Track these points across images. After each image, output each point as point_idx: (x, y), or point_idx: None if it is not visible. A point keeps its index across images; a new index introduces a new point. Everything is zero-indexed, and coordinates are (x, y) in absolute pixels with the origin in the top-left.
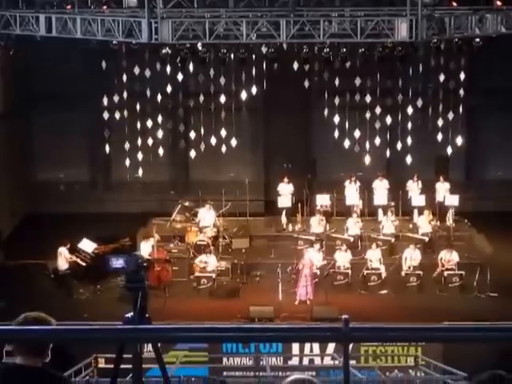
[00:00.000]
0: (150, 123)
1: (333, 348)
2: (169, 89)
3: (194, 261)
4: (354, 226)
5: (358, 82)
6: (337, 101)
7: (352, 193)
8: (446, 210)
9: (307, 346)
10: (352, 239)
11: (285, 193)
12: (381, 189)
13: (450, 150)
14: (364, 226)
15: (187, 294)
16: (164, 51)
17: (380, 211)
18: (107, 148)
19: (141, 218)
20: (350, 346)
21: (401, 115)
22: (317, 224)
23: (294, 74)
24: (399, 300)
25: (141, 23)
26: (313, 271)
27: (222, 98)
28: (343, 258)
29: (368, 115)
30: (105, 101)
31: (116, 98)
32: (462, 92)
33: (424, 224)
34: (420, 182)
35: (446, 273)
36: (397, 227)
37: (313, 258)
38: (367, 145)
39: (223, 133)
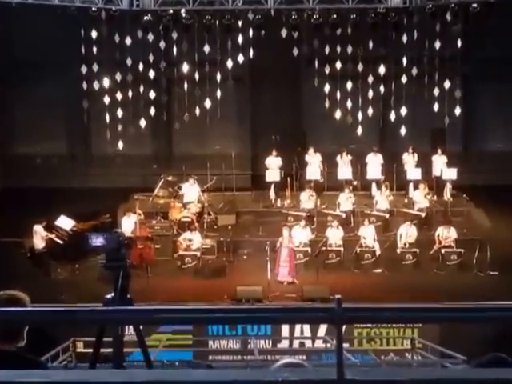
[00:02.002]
0: (130, 94)
1: (325, 330)
2: (151, 58)
3: (177, 238)
4: (346, 201)
5: (349, 49)
6: (327, 70)
7: (344, 167)
8: (443, 184)
9: (297, 327)
10: (344, 215)
11: (273, 167)
12: (374, 162)
13: (446, 121)
14: (357, 201)
15: (171, 274)
16: (146, 18)
17: (374, 185)
18: (86, 120)
19: (122, 194)
20: (344, 327)
21: (395, 84)
22: (307, 199)
23: (283, 42)
24: (394, 279)
25: None
26: (293, 249)
27: (207, 68)
28: (335, 235)
29: (360, 85)
30: (83, 70)
31: (95, 68)
32: (458, 60)
33: (420, 199)
34: (416, 154)
35: (443, 250)
36: (391, 202)
37: (296, 235)
38: (360, 116)
39: (208, 104)
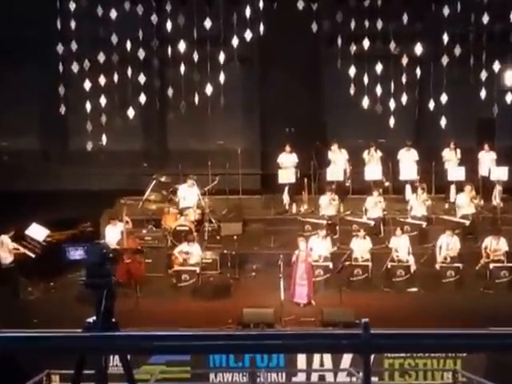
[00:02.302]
0: (116, 78)
1: (349, 361)
2: (140, 35)
3: (172, 251)
4: (374, 206)
5: (379, 25)
6: (352, 49)
7: (372, 165)
8: (491, 186)
9: (316, 358)
10: (372, 223)
11: (287, 165)
12: (408, 160)
13: (495, 111)
14: (387, 206)
15: (164, 293)
16: None
17: (408, 188)
18: (63, 109)
19: (106, 198)
20: (372, 357)
21: (433, 67)
22: (327, 204)
23: (299, 16)
24: (433, 300)
25: None
26: (311, 264)
27: (208, 47)
28: (361, 248)
29: (392, 67)
30: (60, 49)
31: (74, 46)
32: (510, 37)
33: (464, 203)
34: (458, 150)
35: (491, 265)
36: (429, 208)
37: (314, 247)
38: (391, 104)
39: (209, 90)
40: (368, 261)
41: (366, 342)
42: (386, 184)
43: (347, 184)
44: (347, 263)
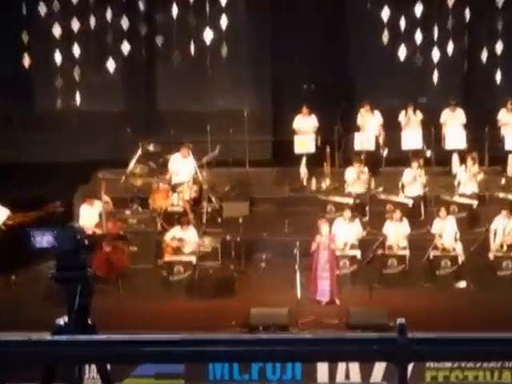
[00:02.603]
0: (93, 21)
1: (381, 372)
2: None
3: (163, 237)
4: (413, 182)
5: None
6: None
7: (411, 130)
8: None
9: (341, 369)
10: (411, 203)
11: (305, 130)
12: (455, 124)
13: None
14: (430, 181)
15: (153, 290)
16: None
17: (455, 159)
18: (27, 61)
19: (80, 171)
20: (410, 367)
21: (486, 9)
22: (355, 179)
23: None
24: (485, 298)
25: None
26: (335, 254)
27: None
28: (397, 233)
29: (435, 9)
30: None
31: None
32: None
33: None
34: None
35: None
36: (481, 184)
37: (339, 232)
38: (435, 55)
39: (208, 37)
40: (405, 249)
41: (403, 348)
42: (428, 154)
43: (380, 154)
44: (379, 252)
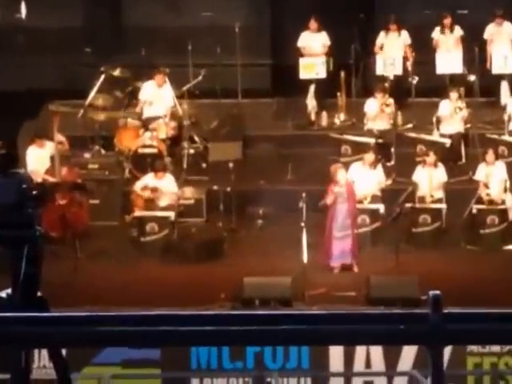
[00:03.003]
0: None
1: (411, 358)
2: None
3: (132, 187)
4: (451, 116)
5: None
6: None
7: (447, 50)
8: None
9: (360, 354)
10: (448, 143)
11: (313, 51)
12: (502, 41)
13: None
14: (473, 115)
15: (120, 254)
16: None
17: (504, 86)
18: None
19: (26, 102)
20: (446, 351)
21: None
22: (377, 113)
23: None
24: None
25: None
26: (356, 206)
27: None
28: (431, 181)
29: None
30: None
31: None
32: None
33: None
34: None
35: None
36: None
37: (357, 180)
38: None
39: None
40: (441, 202)
41: (437, 327)
42: (471, 79)
43: (408, 81)
44: (408, 205)
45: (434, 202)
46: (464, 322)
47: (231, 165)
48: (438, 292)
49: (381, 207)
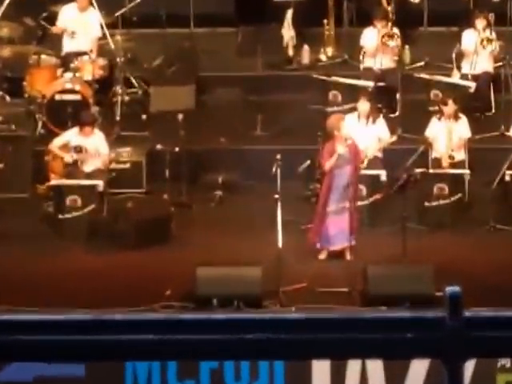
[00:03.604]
0: None
1: (422, 376)
2: None
3: (48, 146)
4: (476, 50)
5: None
6: None
7: None
8: None
9: (353, 369)
10: (473, 86)
11: None
12: None
13: None
14: (505, 49)
15: (32, 235)
16: None
17: None
18: None
19: None
20: (469, 367)
21: None
22: (377, 46)
23: None
24: None
25: None
26: (358, 171)
27: None
28: (450, 138)
29: None
30: None
31: None
32: None
33: None
34: None
35: None
36: None
37: (358, 136)
38: None
39: None
40: (463, 166)
41: (456, 335)
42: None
43: (419, 5)
44: (419, 171)
45: (453, 166)
46: (493, 328)
47: (180, 116)
48: (457, 287)
49: (382, 173)
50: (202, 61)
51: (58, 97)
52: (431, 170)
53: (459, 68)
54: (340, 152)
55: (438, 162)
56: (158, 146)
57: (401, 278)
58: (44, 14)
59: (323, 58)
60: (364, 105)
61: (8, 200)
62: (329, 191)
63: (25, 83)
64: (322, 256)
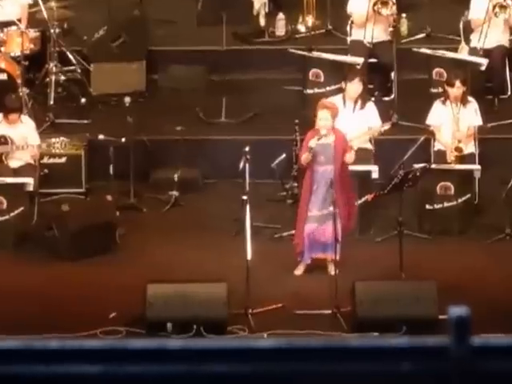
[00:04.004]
0: None
1: None
2: None
3: None
4: (487, 19)
5: None
6: None
7: None
8: None
9: None
10: (484, 63)
11: None
12: None
13: None
14: None
15: None
16: None
17: None
18: None
19: None
20: None
21: None
22: (367, 15)
23: None
24: None
25: None
26: (346, 170)
27: None
28: (456, 127)
29: None
30: None
31: None
32: None
33: None
34: None
35: None
36: None
37: (343, 124)
38: None
39: None
40: (473, 160)
41: (462, 366)
42: None
43: None
44: (419, 166)
45: (460, 160)
46: (505, 359)
47: (127, 100)
48: (464, 309)
49: (373, 169)
50: (154, 33)
51: None
52: (434, 166)
53: (468, 41)
54: (311, 145)
55: (441, 156)
56: (101, 137)
57: (396, 297)
58: None
59: (302, 28)
60: (355, 86)
61: None
62: (309, 192)
63: None
64: (299, 271)
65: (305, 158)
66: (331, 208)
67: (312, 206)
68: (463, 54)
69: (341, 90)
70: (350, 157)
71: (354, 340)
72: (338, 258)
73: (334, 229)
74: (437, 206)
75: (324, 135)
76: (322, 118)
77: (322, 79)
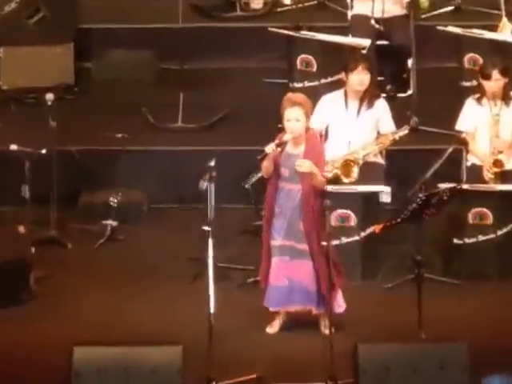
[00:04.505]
0: None
1: None
2: None
3: None
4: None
5: None
6: None
7: None
8: None
9: None
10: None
11: None
12: None
13: None
14: None
15: None
16: None
17: None
18: None
19: None
20: None
21: None
22: None
23: None
24: None
25: None
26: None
27: None
28: (495, 133)
29: None
30: None
31: None
32: None
33: None
34: None
35: None
36: None
37: (333, 130)
38: None
39: None
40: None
41: None
42: None
43: None
44: (445, 187)
45: (501, 178)
46: None
47: (50, 97)
48: (503, 378)
49: (384, 191)
50: (84, 5)
51: None
52: (465, 186)
53: (511, 16)
54: (267, 151)
55: (476, 172)
56: (13, 147)
57: (413, 365)
58: None
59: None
60: (360, 77)
61: None
62: (271, 214)
63: None
64: (272, 329)
65: (264, 167)
66: (305, 244)
67: (275, 233)
68: (504, 33)
69: (340, 84)
70: (317, 178)
71: None
72: (333, 310)
73: (317, 267)
74: (468, 241)
75: (285, 142)
76: (292, 117)
77: (315, 68)
